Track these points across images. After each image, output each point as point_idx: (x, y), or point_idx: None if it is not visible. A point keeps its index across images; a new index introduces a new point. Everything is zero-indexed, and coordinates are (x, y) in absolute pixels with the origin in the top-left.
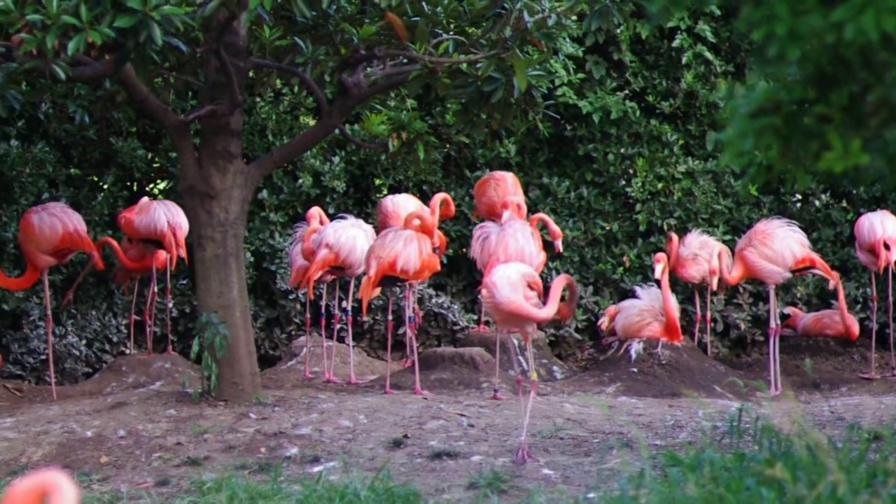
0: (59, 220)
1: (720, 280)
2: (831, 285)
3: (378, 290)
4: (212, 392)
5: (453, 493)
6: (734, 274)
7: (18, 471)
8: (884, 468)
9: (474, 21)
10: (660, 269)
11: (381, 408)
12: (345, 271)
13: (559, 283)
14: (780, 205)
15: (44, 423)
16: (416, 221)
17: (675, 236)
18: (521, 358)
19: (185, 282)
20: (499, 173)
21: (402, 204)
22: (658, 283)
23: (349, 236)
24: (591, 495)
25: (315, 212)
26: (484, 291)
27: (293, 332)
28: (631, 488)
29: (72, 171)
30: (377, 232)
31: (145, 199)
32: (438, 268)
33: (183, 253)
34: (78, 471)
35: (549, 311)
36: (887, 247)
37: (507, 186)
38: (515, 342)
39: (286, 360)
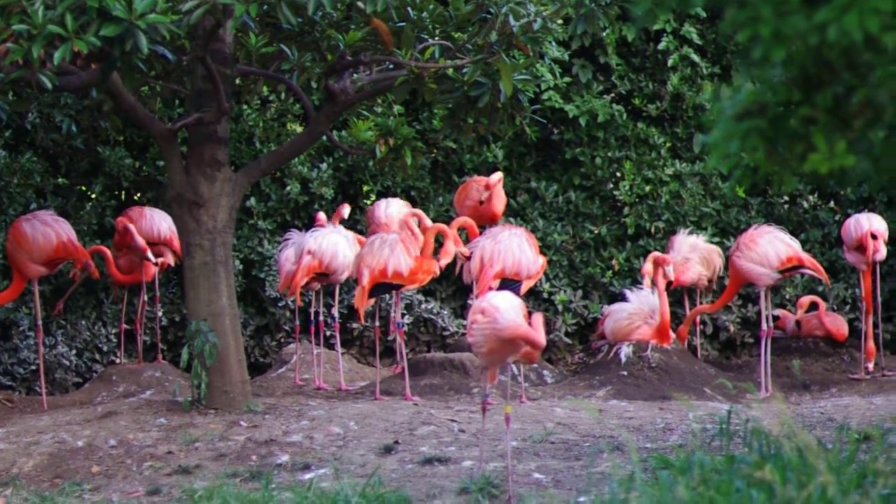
0: (52, 229)
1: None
2: (801, 306)
3: (373, 301)
4: (202, 400)
5: (445, 498)
6: (725, 295)
7: (9, 482)
8: (873, 468)
9: (460, 26)
10: (648, 281)
11: (371, 414)
12: (329, 277)
13: (540, 317)
14: (768, 206)
15: (34, 433)
16: (415, 220)
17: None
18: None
19: (174, 290)
20: (480, 178)
21: (395, 215)
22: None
23: (330, 242)
24: (581, 499)
25: (323, 217)
26: (479, 317)
27: (283, 340)
28: (621, 492)
29: (59, 180)
30: (366, 237)
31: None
32: (437, 272)
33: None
34: (69, 481)
35: (544, 338)
36: (874, 237)
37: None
38: None
39: (276, 367)
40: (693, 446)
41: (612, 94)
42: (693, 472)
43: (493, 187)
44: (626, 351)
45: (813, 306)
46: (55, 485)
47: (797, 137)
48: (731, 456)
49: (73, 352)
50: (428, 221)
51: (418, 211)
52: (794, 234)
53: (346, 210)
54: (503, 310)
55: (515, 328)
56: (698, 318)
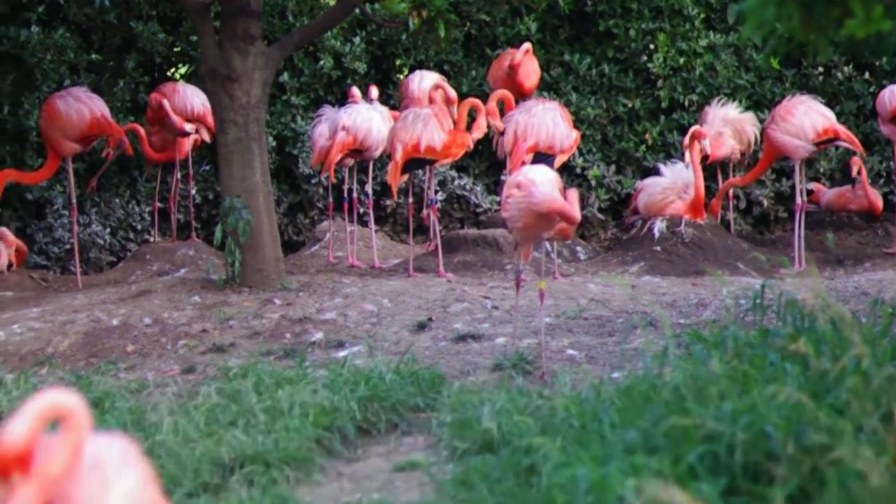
0: (86, 105)
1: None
2: (855, 164)
3: (406, 177)
4: (236, 278)
5: (478, 374)
6: (758, 167)
7: (45, 361)
8: None
9: None
10: (688, 156)
11: (404, 291)
12: (363, 154)
13: (575, 193)
14: (803, 78)
15: (70, 312)
16: (440, 92)
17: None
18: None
19: (207, 168)
20: (513, 50)
21: (428, 90)
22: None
23: (365, 118)
24: (615, 375)
25: (356, 92)
26: (515, 191)
27: (316, 217)
28: (655, 367)
29: (93, 56)
30: (400, 112)
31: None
32: (470, 145)
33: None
34: (104, 359)
35: (579, 213)
36: None
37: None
38: None
39: (310, 245)
40: (726, 321)
41: None
42: (727, 346)
43: (517, 65)
44: (659, 226)
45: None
46: (90, 364)
47: (833, 2)
48: (765, 330)
49: (107, 230)
50: (452, 93)
51: (442, 83)
52: (828, 105)
53: (374, 92)
54: (539, 184)
55: (551, 202)
56: (731, 193)
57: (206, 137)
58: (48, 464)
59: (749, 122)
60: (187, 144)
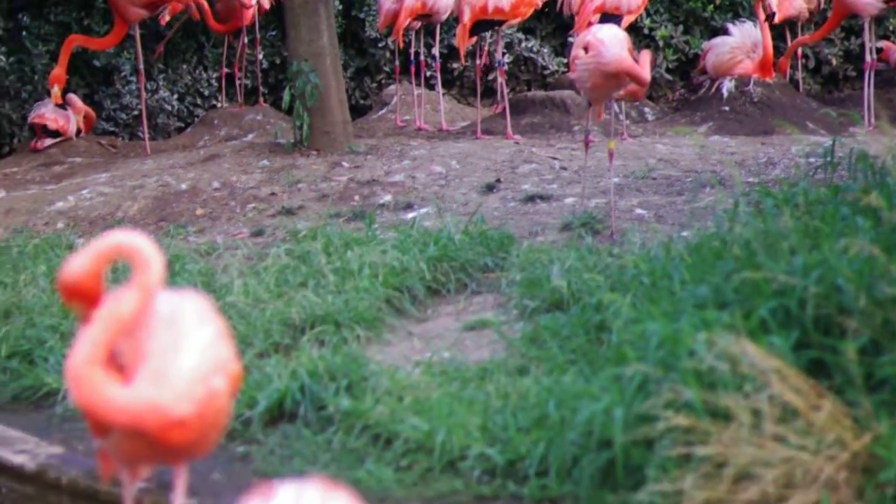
0: None
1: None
2: None
3: (473, 39)
4: (304, 142)
5: (547, 234)
6: (827, 25)
7: (115, 224)
8: None
9: None
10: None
11: (472, 153)
12: (431, 17)
13: (648, 55)
14: None
15: (139, 177)
16: None
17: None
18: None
19: (274, 33)
20: None
21: None
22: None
23: None
24: (684, 233)
25: None
26: (580, 52)
27: (383, 81)
28: (725, 223)
29: None
30: None
31: None
32: (538, 3)
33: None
34: (174, 223)
35: (650, 74)
36: None
37: None
38: None
39: (377, 109)
40: (796, 178)
41: None
42: (797, 201)
43: None
44: (727, 86)
45: None
46: (160, 227)
47: None
48: (836, 186)
49: (175, 96)
50: None
51: None
52: None
53: None
54: (608, 44)
55: (620, 62)
56: (800, 52)
57: (266, 4)
58: (118, 302)
59: None
60: (252, 10)
